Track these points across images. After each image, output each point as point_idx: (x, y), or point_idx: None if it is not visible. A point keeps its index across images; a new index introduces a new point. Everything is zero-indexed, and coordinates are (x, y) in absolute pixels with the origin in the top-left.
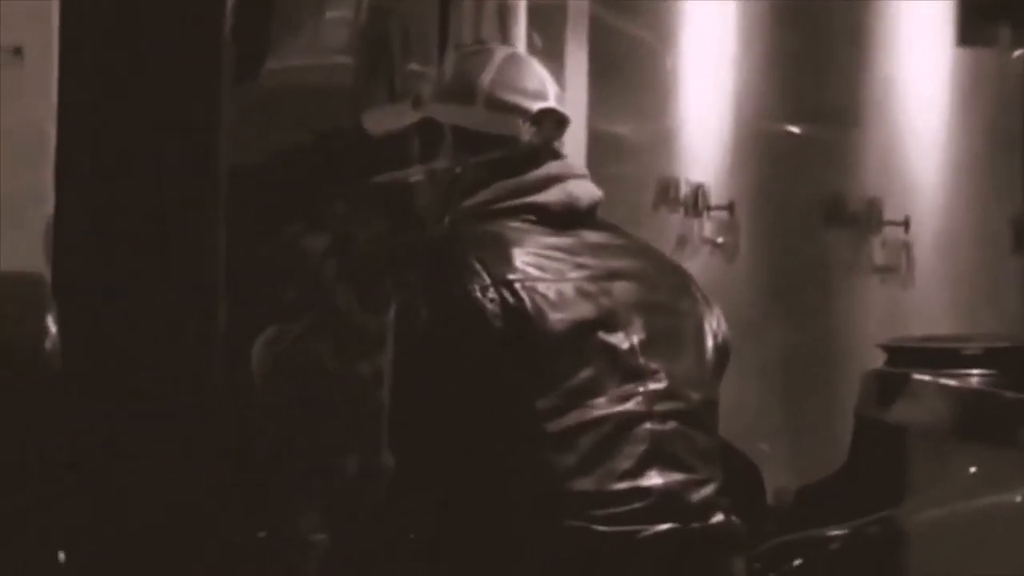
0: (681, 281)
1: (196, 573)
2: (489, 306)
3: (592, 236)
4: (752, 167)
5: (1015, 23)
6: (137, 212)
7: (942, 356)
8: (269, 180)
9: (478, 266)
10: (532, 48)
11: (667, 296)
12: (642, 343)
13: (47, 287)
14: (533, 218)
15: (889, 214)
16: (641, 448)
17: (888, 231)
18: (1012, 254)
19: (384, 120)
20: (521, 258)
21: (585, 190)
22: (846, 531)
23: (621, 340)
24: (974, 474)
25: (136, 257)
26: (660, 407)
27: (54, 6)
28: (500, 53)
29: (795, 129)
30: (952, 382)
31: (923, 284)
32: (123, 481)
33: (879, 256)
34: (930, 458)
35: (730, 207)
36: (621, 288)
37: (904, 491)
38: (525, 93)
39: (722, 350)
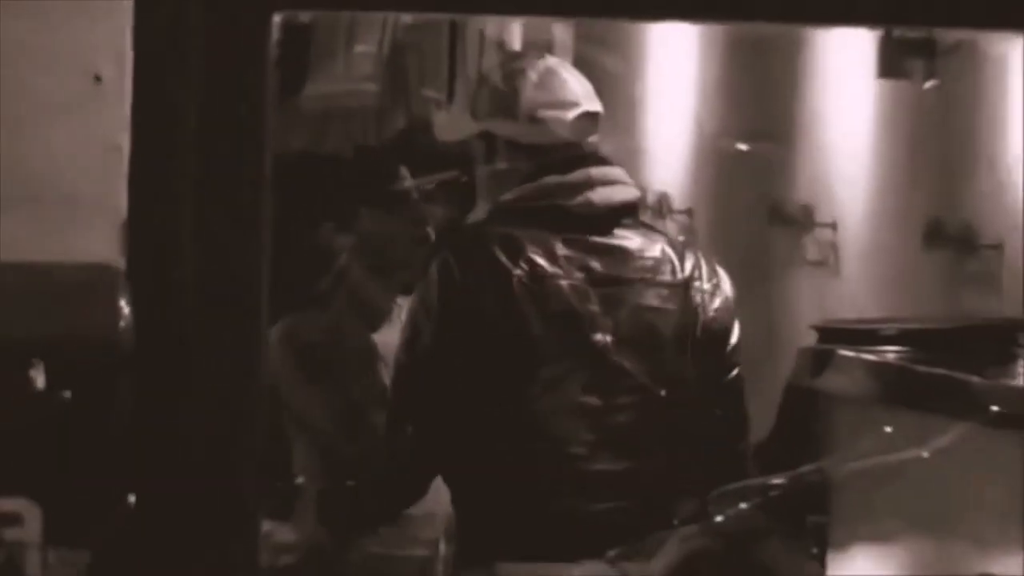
0: (683, 279)
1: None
2: (487, 296)
3: (609, 239)
4: (707, 178)
5: (926, 59)
6: (194, 211)
7: (864, 335)
8: (308, 185)
9: (487, 260)
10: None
11: (658, 299)
12: (618, 342)
13: (121, 276)
14: (553, 219)
15: (820, 218)
16: (597, 436)
17: (819, 231)
18: (922, 251)
19: (451, 130)
20: (529, 256)
21: (609, 196)
22: (784, 480)
23: (599, 339)
24: (889, 433)
25: (195, 250)
26: (623, 400)
27: (128, 40)
28: (538, 68)
29: (743, 147)
30: (872, 357)
31: (848, 276)
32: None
33: (812, 252)
34: (853, 420)
35: (689, 212)
36: (613, 291)
37: (832, 447)
38: (559, 104)
39: (716, 339)
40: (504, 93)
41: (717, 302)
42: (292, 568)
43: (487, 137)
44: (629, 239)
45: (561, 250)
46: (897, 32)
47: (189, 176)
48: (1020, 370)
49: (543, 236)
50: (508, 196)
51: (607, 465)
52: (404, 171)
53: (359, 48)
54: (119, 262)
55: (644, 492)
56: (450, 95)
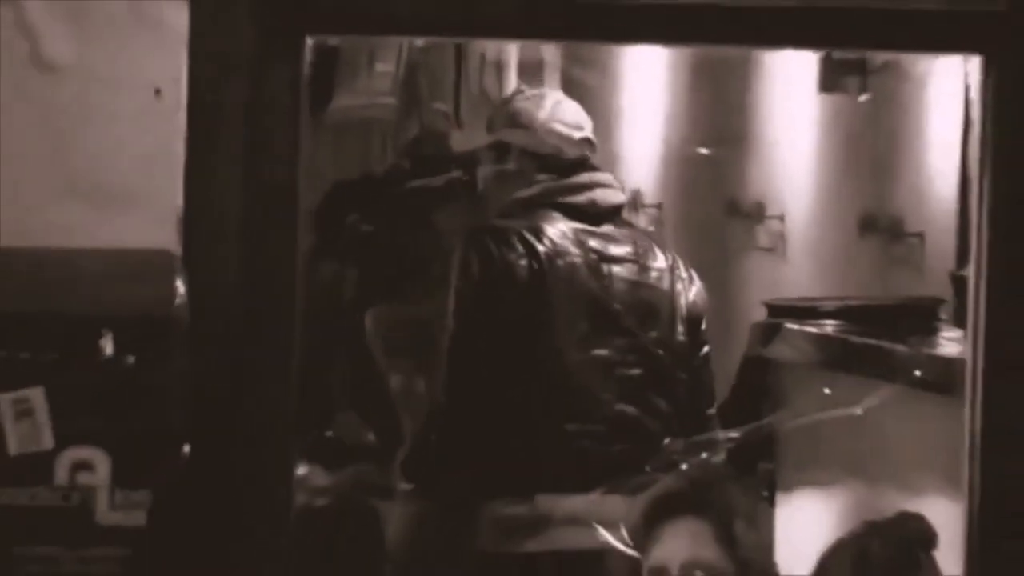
0: (668, 265)
1: None
2: (520, 268)
3: (607, 229)
4: (675, 177)
5: (860, 76)
6: (240, 206)
7: (807, 311)
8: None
9: (518, 239)
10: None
11: (652, 278)
12: (625, 310)
13: (177, 261)
14: (564, 212)
15: (769, 211)
16: (613, 385)
17: (769, 223)
18: (857, 239)
19: (465, 141)
20: (548, 239)
21: (606, 196)
22: (737, 434)
23: (610, 306)
24: (828, 394)
25: (240, 238)
26: (631, 357)
27: (184, 60)
28: (552, 97)
29: (704, 151)
30: (814, 329)
31: (793, 260)
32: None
33: (763, 240)
34: (797, 383)
35: (659, 206)
36: (617, 269)
37: (779, 406)
38: (569, 125)
39: (693, 320)
40: (524, 111)
41: (693, 290)
42: (326, 507)
43: (499, 146)
44: (621, 232)
45: (573, 235)
46: (835, 54)
47: (235, 175)
48: (940, 341)
49: (557, 224)
50: (528, 192)
51: (622, 408)
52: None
53: (379, 67)
54: (176, 248)
55: (649, 434)
56: (456, 107)
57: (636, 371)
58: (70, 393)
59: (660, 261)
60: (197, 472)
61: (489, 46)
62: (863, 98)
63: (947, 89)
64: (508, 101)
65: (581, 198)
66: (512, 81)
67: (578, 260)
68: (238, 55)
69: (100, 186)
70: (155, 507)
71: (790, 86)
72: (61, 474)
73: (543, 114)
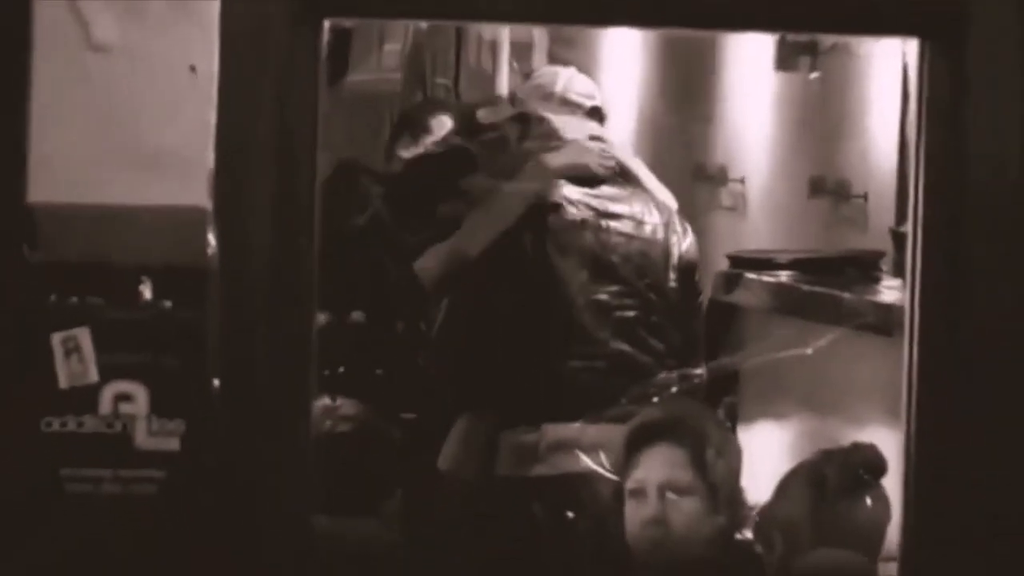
0: (664, 220)
1: None
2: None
3: (608, 190)
4: (649, 145)
5: (811, 56)
6: (265, 167)
7: (764, 263)
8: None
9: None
10: (511, 70)
11: (648, 231)
12: (622, 259)
13: (209, 215)
14: (571, 174)
15: (732, 175)
16: (610, 324)
17: (732, 185)
18: (808, 200)
19: (492, 114)
20: (557, 196)
21: (608, 161)
22: (703, 370)
23: (608, 254)
24: (783, 335)
25: (265, 196)
26: (627, 301)
27: (216, 38)
28: (566, 72)
29: (674, 121)
30: (770, 279)
31: (752, 218)
32: None
33: (726, 201)
34: (755, 326)
35: None
36: (615, 224)
37: (740, 346)
38: (581, 95)
39: (685, 269)
40: (543, 85)
41: (687, 242)
42: (348, 434)
43: (522, 118)
44: (621, 192)
45: (576, 196)
46: (789, 36)
47: (261, 141)
48: (881, 289)
49: (562, 186)
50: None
51: (619, 346)
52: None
53: (388, 47)
54: (207, 204)
55: (643, 370)
56: (456, 81)
57: (631, 313)
58: (113, 333)
59: (655, 216)
60: (226, 403)
61: (485, 28)
62: (814, 76)
63: (888, 67)
64: (529, 77)
65: (585, 160)
66: (504, 60)
67: (580, 217)
68: (263, 35)
69: (142, 151)
70: (188, 434)
71: (749, 65)
72: (105, 404)
73: (559, 86)
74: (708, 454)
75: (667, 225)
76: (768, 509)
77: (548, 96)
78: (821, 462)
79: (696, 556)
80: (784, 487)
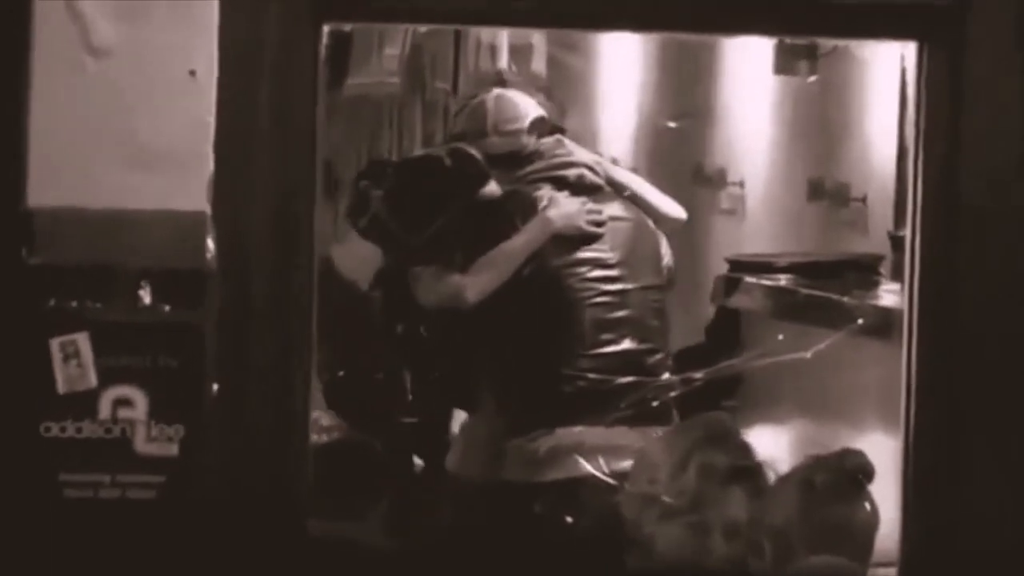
0: (649, 224)
1: None
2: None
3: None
4: (647, 147)
5: (809, 60)
6: (264, 172)
7: (763, 266)
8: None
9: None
10: (511, 74)
11: (642, 234)
12: (622, 258)
13: (208, 220)
14: (555, 184)
15: (730, 178)
16: (615, 317)
17: (730, 188)
18: (807, 203)
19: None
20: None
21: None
22: (703, 374)
23: (608, 254)
24: (781, 340)
25: (263, 201)
26: (633, 299)
27: (215, 44)
28: (491, 98)
29: (672, 124)
30: (769, 282)
31: (751, 221)
32: None
33: (724, 204)
34: (755, 330)
35: (633, 171)
36: (612, 225)
37: (740, 350)
38: (511, 119)
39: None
40: (472, 120)
41: (663, 242)
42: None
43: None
44: (610, 197)
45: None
46: (788, 40)
47: (260, 146)
48: (879, 293)
49: (556, 193)
50: (528, 168)
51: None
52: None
53: (387, 51)
54: (207, 209)
55: (645, 369)
56: (454, 85)
57: (632, 316)
58: (112, 337)
59: (647, 220)
60: (224, 409)
61: (483, 32)
62: (812, 79)
63: (886, 71)
64: (458, 114)
65: (571, 172)
66: (503, 63)
67: (579, 224)
68: (262, 41)
69: (142, 155)
70: (187, 439)
71: (748, 68)
72: (104, 409)
73: (489, 121)
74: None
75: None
76: (758, 515)
77: (481, 133)
78: (811, 468)
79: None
80: (773, 493)
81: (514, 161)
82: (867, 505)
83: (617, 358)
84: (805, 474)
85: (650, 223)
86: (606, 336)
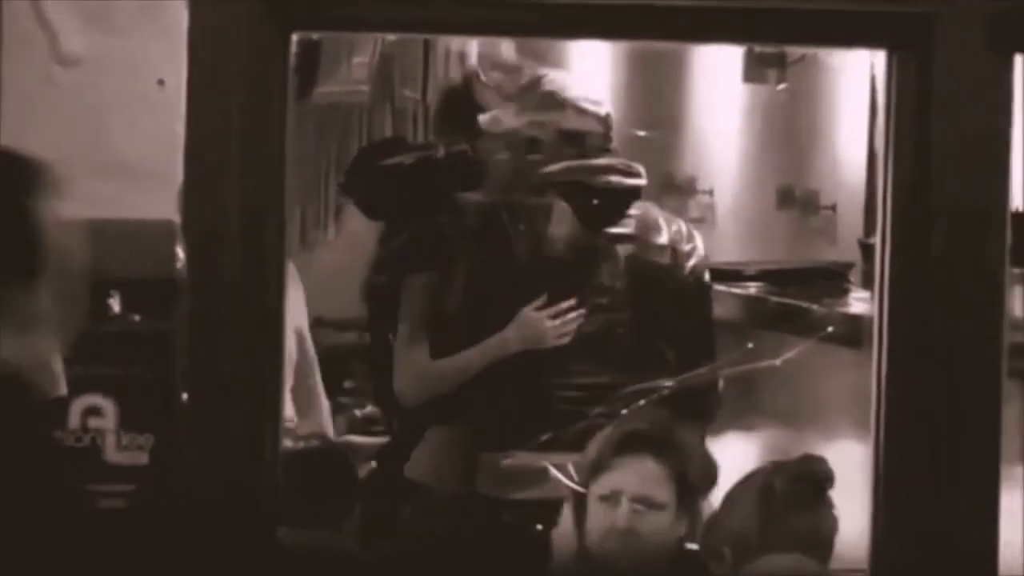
0: (668, 241)
1: None
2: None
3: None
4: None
5: (778, 68)
6: (234, 181)
7: (733, 274)
8: None
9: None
10: (479, 82)
11: (652, 255)
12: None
13: (177, 230)
14: (579, 192)
15: (700, 186)
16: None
17: (699, 196)
18: (776, 211)
19: (495, 123)
20: (552, 217)
21: (621, 181)
22: (674, 382)
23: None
24: (752, 347)
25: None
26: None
27: (184, 53)
28: (574, 77)
29: (643, 133)
30: (739, 291)
31: (721, 229)
32: None
33: (694, 212)
34: (724, 338)
35: None
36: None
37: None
38: (593, 102)
39: (698, 286)
40: (553, 92)
41: (694, 260)
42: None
43: (534, 126)
44: (629, 212)
45: (576, 215)
46: (757, 48)
47: (230, 154)
48: (849, 300)
49: (561, 203)
50: (552, 168)
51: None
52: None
53: (356, 59)
54: (176, 217)
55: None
56: (423, 94)
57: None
58: (82, 347)
59: (663, 237)
60: (193, 417)
61: (453, 41)
62: (781, 87)
63: (855, 79)
64: (536, 84)
65: (599, 180)
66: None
67: (576, 238)
68: (232, 48)
69: (111, 164)
70: (156, 448)
71: (717, 76)
72: (74, 419)
73: (571, 93)
74: (690, 474)
75: (673, 246)
76: (716, 521)
77: (561, 105)
78: (770, 474)
79: (651, 567)
80: (732, 499)
81: (581, 144)
82: (827, 511)
83: (590, 376)
84: (765, 478)
85: (666, 239)
86: (578, 355)
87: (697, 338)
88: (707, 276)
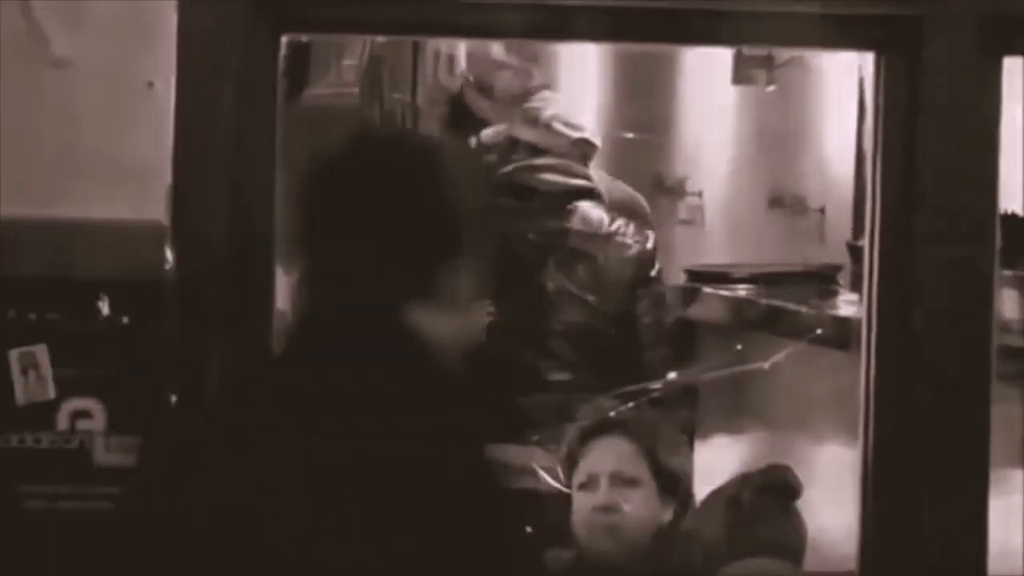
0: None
1: None
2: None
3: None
4: (606, 159)
5: (767, 69)
6: (223, 182)
7: (721, 277)
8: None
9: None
10: (467, 84)
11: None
12: (579, 286)
13: (166, 231)
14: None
15: (689, 188)
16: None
17: (689, 198)
18: (766, 213)
19: (495, 135)
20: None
21: (566, 181)
22: (661, 384)
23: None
24: (739, 350)
25: (223, 211)
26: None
27: (174, 56)
28: (561, 99)
29: (632, 135)
30: (727, 293)
31: (710, 232)
32: None
33: (683, 214)
34: (712, 340)
35: None
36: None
37: (697, 360)
38: (570, 126)
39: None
40: (535, 110)
41: (634, 250)
42: None
43: (512, 139)
44: (582, 210)
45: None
46: (746, 50)
47: (220, 156)
48: (837, 303)
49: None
50: (503, 170)
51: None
52: None
53: (346, 61)
54: (165, 219)
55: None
56: (413, 96)
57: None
58: (70, 349)
59: (603, 235)
60: (182, 420)
61: (442, 43)
62: (770, 89)
63: (844, 81)
64: (523, 98)
65: (538, 178)
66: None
67: (532, 238)
68: (221, 51)
69: (101, 166)
70: (145, 450)
71: (707, 78)
72: (63, 421)
73: (549, 113)
74: (658, 449)
75: (613, 236)
76: (689, 528)
77: (536, 122)
78: (738, 485)
79: (645, 547)
80: (704, 509)
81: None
82: (794, 520)
83: (569, 379)
84: (733, 489)
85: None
86: (546, 363)
87: (655, 336)
88: (655, 271)
